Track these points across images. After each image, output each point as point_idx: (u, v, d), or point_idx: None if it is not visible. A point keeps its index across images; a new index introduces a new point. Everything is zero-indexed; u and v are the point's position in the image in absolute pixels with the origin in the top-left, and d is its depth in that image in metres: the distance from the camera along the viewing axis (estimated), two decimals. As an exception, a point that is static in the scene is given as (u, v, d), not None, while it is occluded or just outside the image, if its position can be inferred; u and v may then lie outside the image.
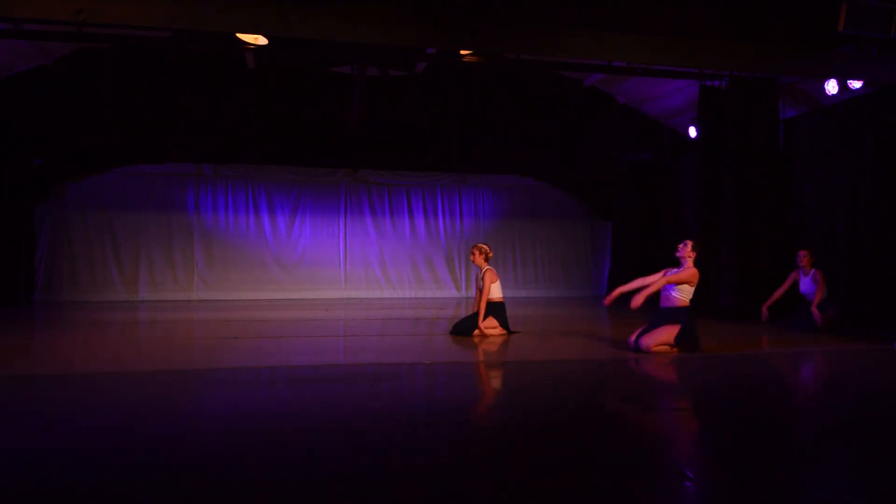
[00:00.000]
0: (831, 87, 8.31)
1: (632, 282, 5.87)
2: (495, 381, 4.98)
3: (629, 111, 11.55)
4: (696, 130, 9.94)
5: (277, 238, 12.73)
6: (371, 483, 2.55)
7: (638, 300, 5.61)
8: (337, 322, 8.62)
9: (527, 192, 13.73)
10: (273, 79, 10.60)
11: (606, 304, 5.91)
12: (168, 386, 4.39)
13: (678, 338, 5.67)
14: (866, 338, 6.91)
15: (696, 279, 5.72)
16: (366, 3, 5.75)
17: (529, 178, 13.38)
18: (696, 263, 5.78)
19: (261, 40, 7.44)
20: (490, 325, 6.90)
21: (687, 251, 5.78)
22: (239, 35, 7.19)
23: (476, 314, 6.92)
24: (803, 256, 7.64)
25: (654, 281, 5.77)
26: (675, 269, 5.80)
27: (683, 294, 5.72)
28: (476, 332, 6.82)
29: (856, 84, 7.92)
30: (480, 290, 6.91)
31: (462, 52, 7.81)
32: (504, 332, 6.95)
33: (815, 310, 7.34)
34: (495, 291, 6.97)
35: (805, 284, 7.65)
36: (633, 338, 5.86)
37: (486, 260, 7.00)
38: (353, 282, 13.04)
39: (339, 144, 11.68)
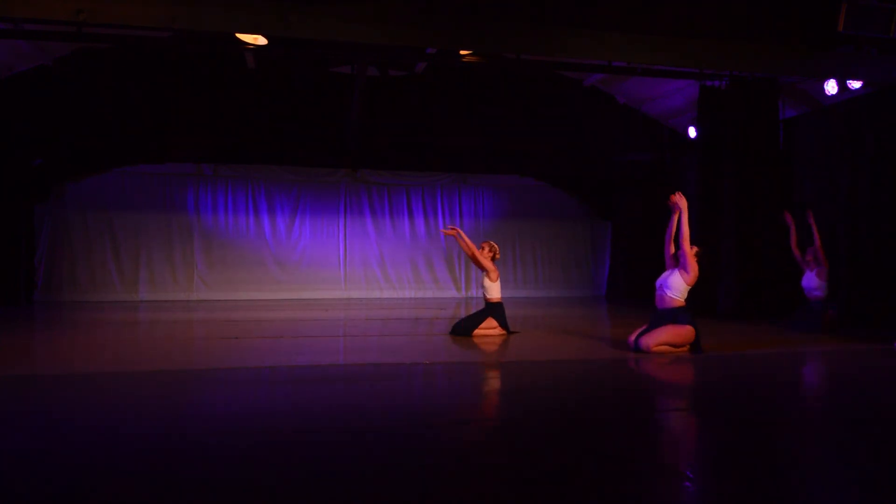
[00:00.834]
0: (831, 87, 8.32)
1: None
2: (495, 381, 4.98)
3: (629, 111, 11.56)
4: (696, 130, 9.94)
5: (277, 238, 12.73)
6: (371, 483, 2.55)
7: None
8: (337, 322, 8.62)
9: (526, 192, 13.72)
10: (273, 79, 10.60)
11: None
12: (168, 386, 4.39)
13: (693, 344, 5.70)
14: (866, 338, 6.91)
15: (695, 280, 5.73)
16: (366, 3, 5.75)
17: (529, 178, 13.38)
18: (699, 261, 5.81)
19: (260, 40, 7.45)
20: (489, 326, 6.91)
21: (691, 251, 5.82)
22: (238, 35, 7.20)
23: (475, 314, 6.94)
24: (812, 251, 7.61)
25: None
26: (675, 270, 5.79)
27: (681, 294, 5.72)
28: (475, 331, 6.82)
29: (855, 84, 7.93)
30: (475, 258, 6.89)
31: (462, 52, 7.82)
32: (503, 332, 6.95)
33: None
34: (495, 292, 6.96)
35: (808, 278, 7.64)
36: (632, 338, 5.87)
37: (492, 260, 6.97)
38: (353, 282, 13.04)
39: (338, 144, 11.67)
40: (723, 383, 4.78)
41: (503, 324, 6.96)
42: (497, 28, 6.13)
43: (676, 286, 5.71)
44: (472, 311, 7.32)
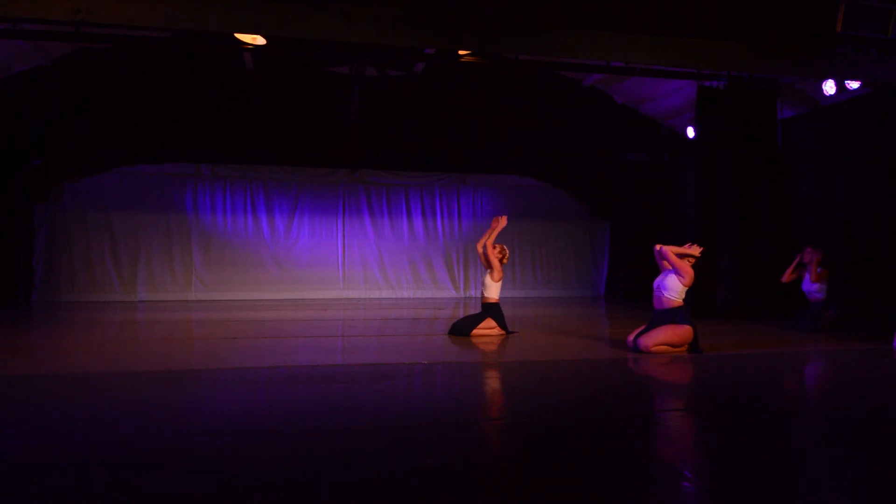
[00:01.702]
0: (829, 87, 8.32)
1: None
2: (494, 381, 4.98)
3: (628, 111, 11.56)
4: (695, 130, 9.94)
5: (276, 238, 12.72)
6: (370, 483, 2.55)
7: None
8: (335, 322, 8.61)
9: (525, 192, 13.71)
10: (272, 79, 10.59)
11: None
12: (167, 386, 4.39)
13: (691, 344, 5.71)
14: (866, 338, 6.92)
15: (692, 281, 5.75)
16: (365, 4, 5.75)
17: (528, 177, 13.37)
18: (694, 264, 5.83)
19: (259, 40, 7.44)
20: (488, 326, 6.91)
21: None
22: (237, 35, 7.19)
23: (474, 314, 6.96)
24: (809, 253, 7.60)
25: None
26: (671, 272, 5.80)
27: (678, 295, 5.73)
28: (474, 332, 6.83)
29: (853, 84, 7.94)
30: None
31: (461, 52, 7.82)
32: (502, 332, 6.96)
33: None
34: (494, 292, 6.98)
35: (808, 282, 7.65)
36: (631, 338, 5.88)
37: (500, 262, 7.01)
38: (352, 282, 13.02)
39: (337, 144, 11.68)
40: (721, 383, 4.78)
41: (501, 324, 6.96)
42: (495, 28, 6.13)
43: (673, 287, 5.72)
44: (471, 311, 7.32)
